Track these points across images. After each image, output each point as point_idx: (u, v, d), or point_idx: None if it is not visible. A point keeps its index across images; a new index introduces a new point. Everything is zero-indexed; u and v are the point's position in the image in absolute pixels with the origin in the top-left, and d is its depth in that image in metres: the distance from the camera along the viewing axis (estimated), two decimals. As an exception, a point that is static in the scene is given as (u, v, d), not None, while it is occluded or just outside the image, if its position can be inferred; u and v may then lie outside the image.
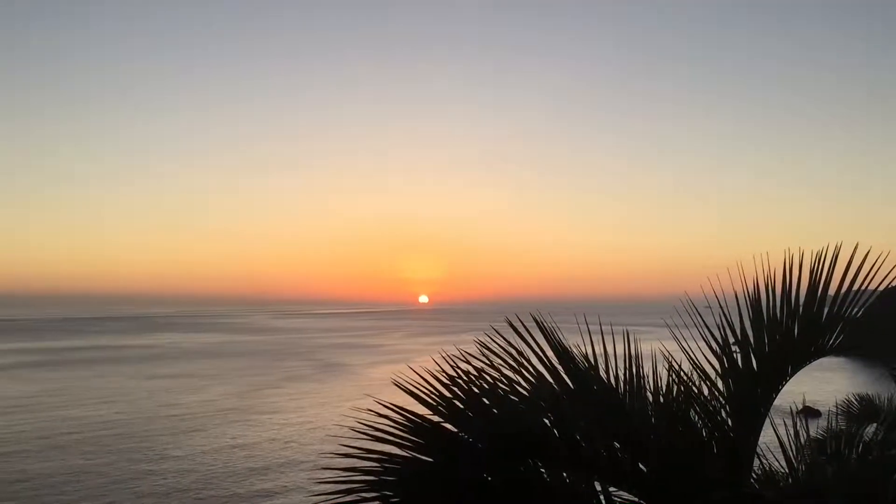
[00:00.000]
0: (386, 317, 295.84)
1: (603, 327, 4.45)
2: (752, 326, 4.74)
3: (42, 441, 36.93)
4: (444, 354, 4.33)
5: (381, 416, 4.06)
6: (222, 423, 42.25)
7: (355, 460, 3.90)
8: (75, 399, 52.81)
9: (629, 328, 4.63)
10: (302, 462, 32.46)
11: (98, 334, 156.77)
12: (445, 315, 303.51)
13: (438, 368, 4.18)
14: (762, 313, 4.79)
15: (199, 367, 78.56)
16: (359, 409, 4.10)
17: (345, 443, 4.05)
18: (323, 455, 32.85)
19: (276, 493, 27.60)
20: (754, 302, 4.83)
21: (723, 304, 4.79)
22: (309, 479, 29.22)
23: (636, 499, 4.05)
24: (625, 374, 4.37)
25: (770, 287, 4.81)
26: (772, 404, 4.58)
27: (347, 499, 3.82)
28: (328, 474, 3.82)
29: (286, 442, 37.02)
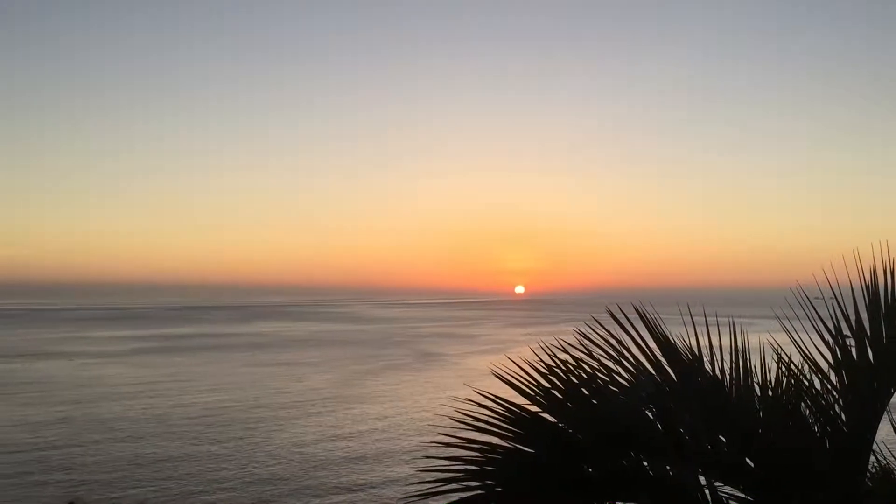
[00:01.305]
0: (482, 307, 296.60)
1: (707, 318, 4.33)
2: (868, 317, 4.51)
3: (156, 425, 38.77)
4: (542, 344, 4.31)
5: (480, 406, 4.08)
6: (325, 411, 43.35)
7: (457, 450, 3.94)
8: (187, 385, 55.20)
9: (735, 319, 4.49)
10: (402, 451, 32.97)
11: (208, 322, 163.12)
12: (541, 305, 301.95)
13: (537, 358, 4.17)
14: (880, 303, 4.55)
15: (302, 356, 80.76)
16: (458, 399, 4.13)
17: (446, 432, 4.09)
18: (423, 444, 33.27)
19: (377, 481, 28.14)
20: (872, 291, 4.60)
21: (837, 294, 4.58)
22: (409, 468, 29.67)
23: (743, 495, 3.94)
24: (731, 367, 4.24)
25: (890, 275, 4.57)
26: (890, 399, 4.36)
27: (450, 488, 3.86)
28: (431, 463, 3.87)
29: (386, 431, 37.67)
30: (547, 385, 4.04)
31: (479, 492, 3.89)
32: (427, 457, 4.00)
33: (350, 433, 36.46)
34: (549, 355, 4.12)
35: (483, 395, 4.09)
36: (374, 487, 27.02)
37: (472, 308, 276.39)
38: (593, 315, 4.42)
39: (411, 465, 29.67)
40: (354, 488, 26.89)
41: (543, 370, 4.07)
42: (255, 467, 29.64)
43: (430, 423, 39.01)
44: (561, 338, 4.30)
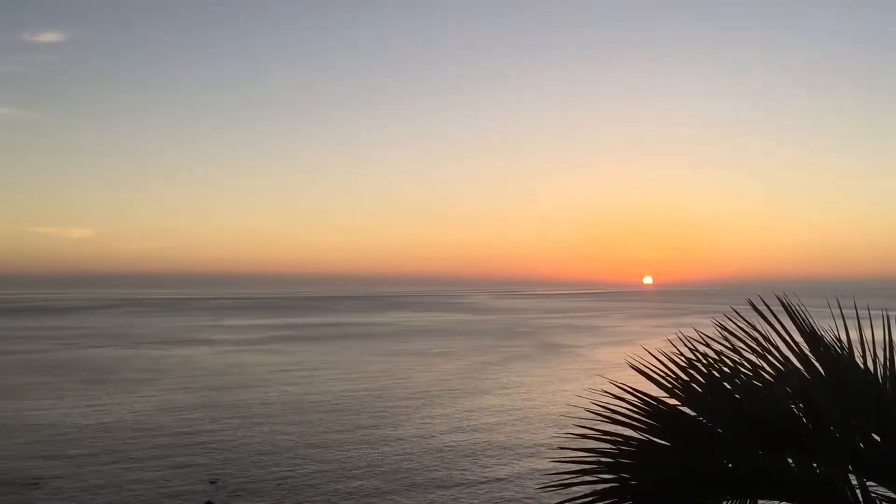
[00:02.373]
0: (608, 298, 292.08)
1: (858, 311, 4.11)
2: None
3: (289, 411, 40.35)
4: (680, 336, 4.21)
5: (615, 397, 4.03)
6: (452, 400, 43.89)
7: (591, 441, 3.91)
8: (318, 372, 57.16)
9: (890, 312, 4.23)
10: (528, 444, 32.97)
11: (337, 312, 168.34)
12: (671, 296, 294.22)
13: (674, 350, 4.09)
14: None
15: (429, 345, 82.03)
16: (590, 391, 4.09)
17: (578, 423, 4.07)
18: (550, 437, 33.16)
19: (505, 472, 28.24)
20: None
21: None
22: (536, 461, 29.63)
23: (898, 496, 3.72)
24: (885, 362, 4.01)
25: None
26: None
27: (584, 479, 3.84)
28: (565, 454, 3.86)
29: (511, 423, 37.75)
30: (686, 378, 3.94)
31: (613, 484, 3.85)
32: (561, 447, 3.99)
33: (476, 424, 36.74)
34: (690, 348, 4.02)
35: (617, 387, 4.04)
36: (499, 481, 27.15)
37: (597, 299, 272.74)
38: (733, 307, 4.28)
39: (538, 458, 29.62)
40: (481, 481, 27.09)
41: (682, 363, 3.98)
42: (383, 456, 30.35)
43: (557, 414, 38.80)
44: (700, 330, 4.18)
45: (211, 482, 26.06)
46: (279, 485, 25.92)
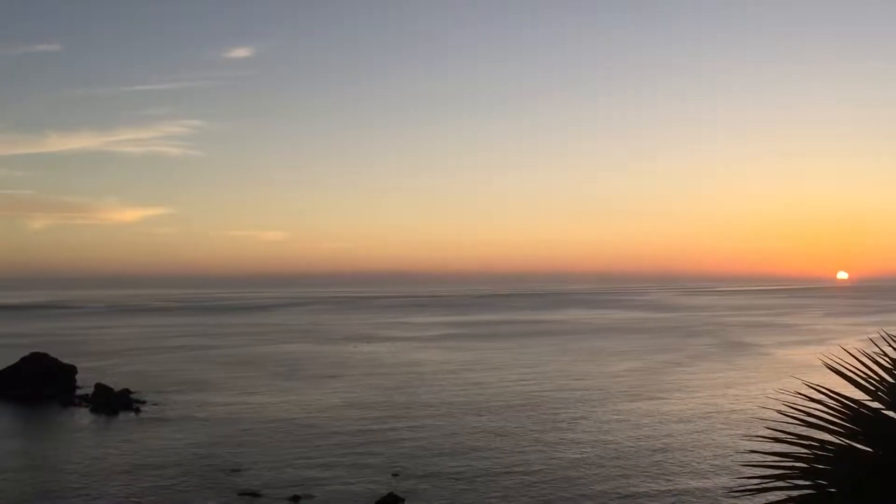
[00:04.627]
0: (798, 294, 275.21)
1: None
2: None
3: (466, 406, 41.05)
4: (883, 334, 3.92)
5: (809, 399, 3.81)
6: (628, 399, 43.01)
7: (783, 445, 3.71)
8: (494, 369, 57.79)
9: None
10: (714, 446, 31.70)
11: (513, 310, 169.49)
12: (869, 292, 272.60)
13: (876, 350, 3.81)
14: None
15: (606, 344, 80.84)
16: (783, 392, 3.88)
17: (769, 426, 3.88)
18: (741, 439, 31.65)
19: (687, 483, 27.33)
20: None
21: None
22: (725, 462, 28.47)
23: None
24: None
25: None
26: None
27: (777, 485, 3.65)
28: (755, 458, 3.68)
29: (694, 422, 36.43)
30: (892, 380, 3.66)
31: (808, 491, 3.64)
32: (751, 451, 3.81)
33: (655, 427, 35.75)
34: (895, 348, 3.72)
35: (812, 388, 3.81)
36: (681, 494, 26.29)
37: (786, 295, 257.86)
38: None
39: (722, 464, 28.44)
40: (662, 491, 26.37)
41: (887, 364, 3.69)
42: (558, 452, 30.22)
43: (744, 416, 37.07)
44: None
45: (393, 474, 27.02)
46: (457, 478, 26.45)
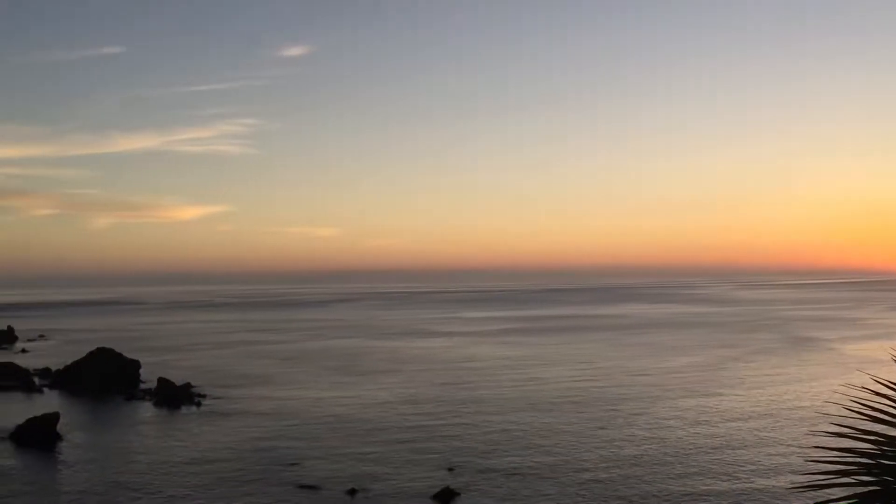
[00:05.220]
0: (869, 287, 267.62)
1: None
2: None
3: (523, 402, 40.90)
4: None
5: (876, 394, 3.68)
6: (687, 395, 42.35)
7: (849, 441, 3.60)
8: (551, 364, 57.49)
9: None
10: (776, 441, 31.01)
11: (569, 305, 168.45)
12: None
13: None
14: None
15: (663, 338, 79.78)
16: (848, 386, 3.77)
17: (833, 421, 3.77)
18: (803, 434, 30.92)
19: (748, 482, 26.81)
20: None
21: None
22: (789, 460, 27.86)
23: None
24: None
25: None
26: None
27: (842, 481, 3.54)
28: (820, 454, 3.58)
29: (756, 419, 35.67)
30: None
31: (874, 488, 3.52)
32: (816, 446, 3.71)
33: (714, 423, 35.10)
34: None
35: (879, 383, 3.68)
36: (742, 494, 25.80)
37: (855, 289, 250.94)
38: None
39: (785, 462, 27.82)
40: (721, 491, 25.90)
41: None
42: (616, 448, 29.90)
43: (806, 412, 36.20)
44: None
45: (448, 469, 27.08)
46: (512, 474, 26.38)
